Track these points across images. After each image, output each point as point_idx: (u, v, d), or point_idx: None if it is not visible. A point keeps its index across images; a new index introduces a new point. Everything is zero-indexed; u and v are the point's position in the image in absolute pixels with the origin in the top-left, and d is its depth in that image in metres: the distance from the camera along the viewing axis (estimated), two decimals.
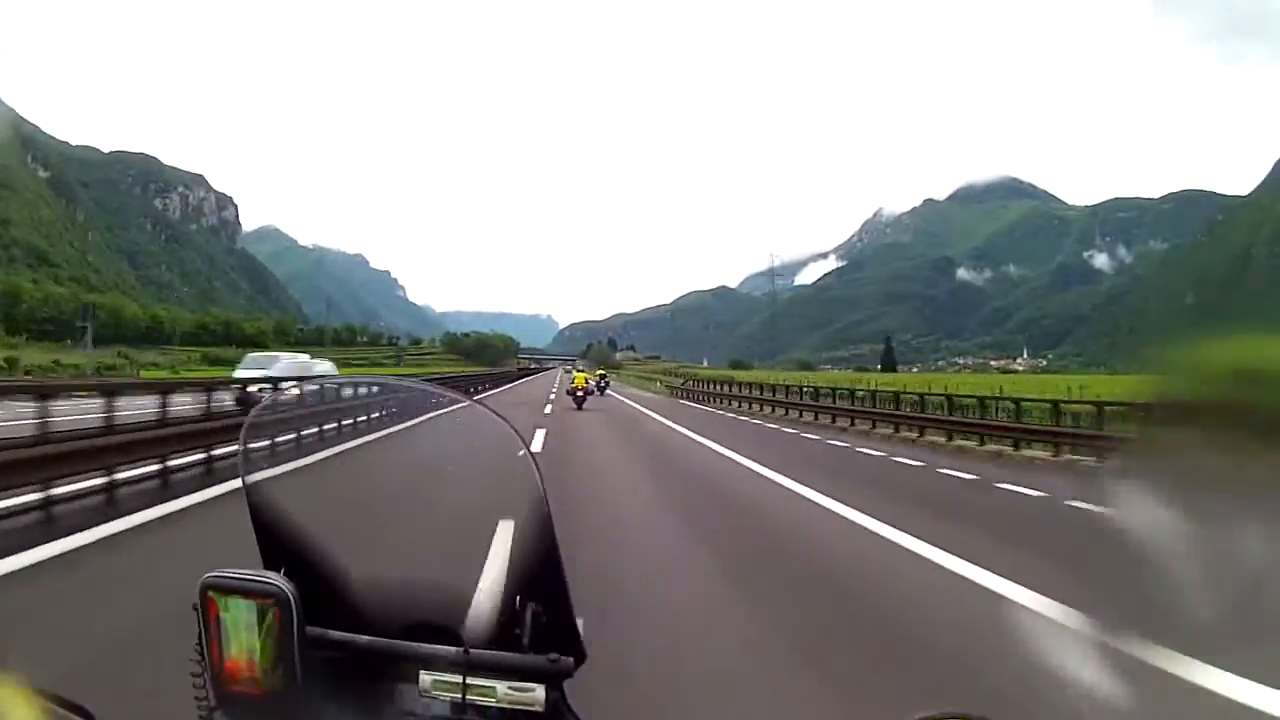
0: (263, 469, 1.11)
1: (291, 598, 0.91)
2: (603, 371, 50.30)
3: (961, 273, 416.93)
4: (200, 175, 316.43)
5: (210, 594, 0.92)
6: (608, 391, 47.06)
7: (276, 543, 1.01)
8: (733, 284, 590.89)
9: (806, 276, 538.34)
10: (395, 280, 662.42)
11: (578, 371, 34.97)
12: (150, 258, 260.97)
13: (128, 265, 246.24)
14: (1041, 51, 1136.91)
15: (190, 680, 0.95)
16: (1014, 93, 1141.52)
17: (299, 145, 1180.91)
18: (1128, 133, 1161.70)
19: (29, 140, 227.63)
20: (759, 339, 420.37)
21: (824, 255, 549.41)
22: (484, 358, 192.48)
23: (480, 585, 1.03)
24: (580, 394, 30.11)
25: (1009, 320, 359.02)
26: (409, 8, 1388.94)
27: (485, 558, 1.13)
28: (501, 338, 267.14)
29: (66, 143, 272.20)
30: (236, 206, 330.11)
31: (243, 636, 0.91)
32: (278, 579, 0.93)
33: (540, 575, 0.97)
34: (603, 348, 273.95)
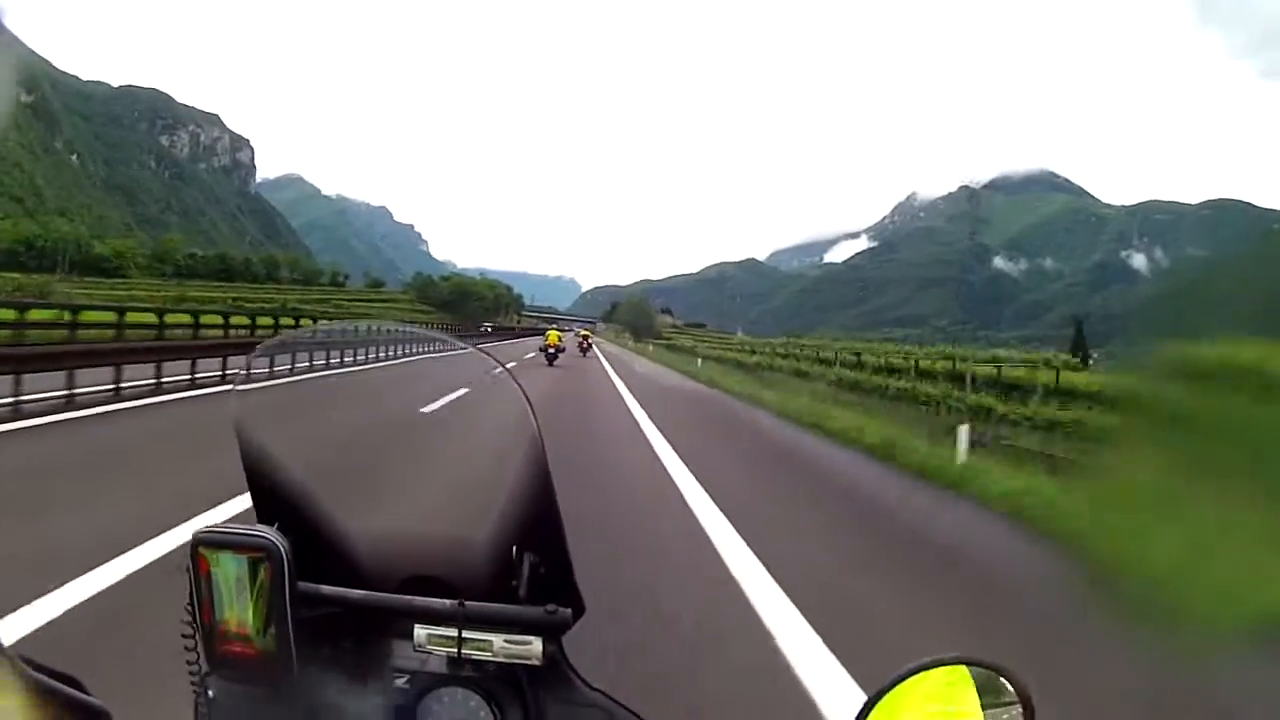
0: (255, 417, 1.04)
1: (284, 552, 0.89)
2: (586, 333, 47.07)
3: (998, 261, 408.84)
4: (215, 115, 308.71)
5: (200, 550, 0.90)
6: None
7: (270, 496, 0.99)
8: (761, 257, 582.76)
9: (836, 255, 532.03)
10: (419, 235, 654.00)
11: (551, 330, 36.99)
12: (149, 194, 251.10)
13: (124, 200, 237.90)
14: (1082, 49, 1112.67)
15: (181, 644, 0.93)
16: (1053, 87, 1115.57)
17: (331, 95, 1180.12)
18: (1165, 137, 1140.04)
19: (20, 66, 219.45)
20: (787, 314, 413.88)
21: (855, 235, 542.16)
22: (465, 310, 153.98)
23: (475, 536, 1.01)
24: (552, 351, 32.89)
25: (1047, 314, 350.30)
26: None
27: (481, 507, 1.06)
28: (492, 285, 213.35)
29: (76, 76, 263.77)
30: (253, 149, 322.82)
31: (233, 594, 0.89)
32: (269, 532, 0.91)
33: (537, 524, 0.95)
34: (640, 304, 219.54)
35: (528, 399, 0.96)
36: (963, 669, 0.90)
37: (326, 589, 0.94)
